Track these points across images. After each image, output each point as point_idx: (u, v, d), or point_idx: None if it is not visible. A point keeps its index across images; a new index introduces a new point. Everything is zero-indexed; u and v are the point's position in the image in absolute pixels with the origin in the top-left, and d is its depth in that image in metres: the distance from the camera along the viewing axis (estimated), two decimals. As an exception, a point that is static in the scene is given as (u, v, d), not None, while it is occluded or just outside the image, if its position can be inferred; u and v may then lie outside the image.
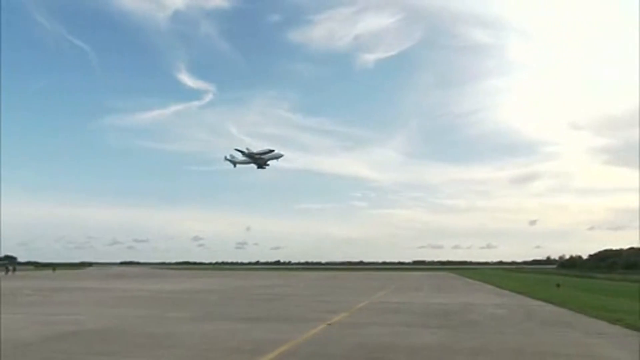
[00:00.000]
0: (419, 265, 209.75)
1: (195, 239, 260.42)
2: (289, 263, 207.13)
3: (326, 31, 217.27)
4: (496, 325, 11.82)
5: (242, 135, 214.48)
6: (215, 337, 9.62)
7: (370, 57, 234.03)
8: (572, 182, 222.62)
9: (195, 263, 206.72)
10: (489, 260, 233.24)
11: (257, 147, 75.80)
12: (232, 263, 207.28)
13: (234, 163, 78.62)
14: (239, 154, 76.08)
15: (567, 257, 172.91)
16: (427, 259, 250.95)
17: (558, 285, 33.32)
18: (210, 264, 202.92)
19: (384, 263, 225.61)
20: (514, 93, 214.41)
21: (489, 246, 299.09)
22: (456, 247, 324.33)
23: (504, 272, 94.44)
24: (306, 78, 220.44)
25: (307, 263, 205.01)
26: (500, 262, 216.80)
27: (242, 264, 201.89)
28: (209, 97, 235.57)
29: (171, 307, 17.32)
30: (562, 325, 11.62)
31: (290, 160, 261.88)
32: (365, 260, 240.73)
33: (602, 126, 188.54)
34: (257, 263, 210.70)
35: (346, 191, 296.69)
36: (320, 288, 32.14)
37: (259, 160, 73.11)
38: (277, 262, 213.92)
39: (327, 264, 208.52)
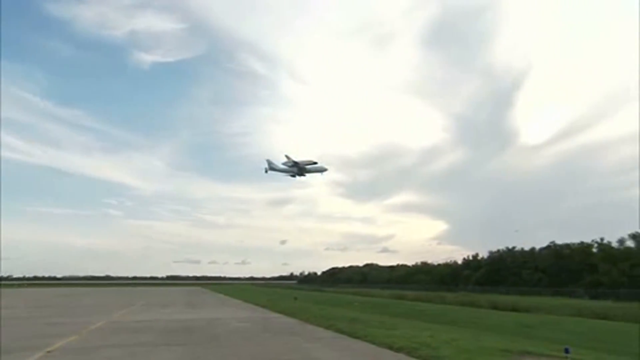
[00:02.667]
0: (173, 281, 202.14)
1: None
2: (9, 277, 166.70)
3: (97, 15, 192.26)
4: (236, 338, 12.49)
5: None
6: None
7: (146, 58, 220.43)
8: (316, 208, 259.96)
9: None
10: (243, 275, 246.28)
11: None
12: None
13: (273, 169, 71.59)
14: (274, 163, 70.47)
15: (306, 273, 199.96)
16: (183, 273, 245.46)
17: (295, 299, 37.87)
18: None
19: (135, 278, 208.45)
20: (281, 124, 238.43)
21: (243, 262, 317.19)
22: (213, 262, 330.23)
23: (254, 287, 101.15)
24: (65, 61, 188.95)
25: (36, 278, 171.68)
26: (252, 278, 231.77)
27: None
28: None
29: None
30: (290, 334, 13.25)
31: (30, 154, 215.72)
32: (113, 274, 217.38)
33: (341, 164, 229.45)
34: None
35: (99, 197, 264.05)
36: (49, 309, 26.95)
37: (302, 170, 68.23)
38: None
39: (64, 278, 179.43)
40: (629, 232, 67.30)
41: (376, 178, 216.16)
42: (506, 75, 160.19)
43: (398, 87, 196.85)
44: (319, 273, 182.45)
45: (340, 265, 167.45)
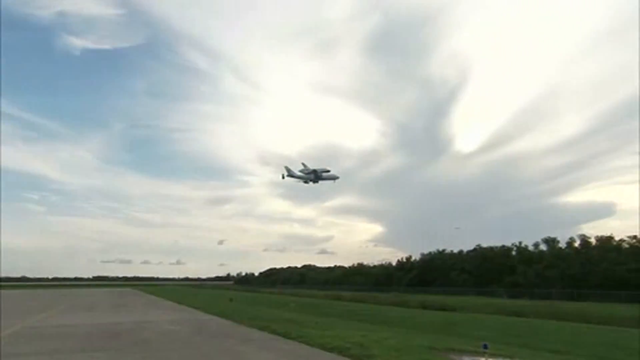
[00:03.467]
0: (101, 281, 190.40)
1: None
2: None
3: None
4: (167, 342, 12.03)
5: None
6: None
7: (77, 42, 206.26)
8: (256, 209, 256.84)
9: None
10: (177, 276, 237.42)
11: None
12: None
13: (291, 176, 72.83)
14: (292, 170, 72.51)
15: (244, 274, 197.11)
16: (112, 274, 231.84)
17: (231, 300, 37.23)
18: None
19: (56, 279, 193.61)
20: (222, 122, 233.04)
21: (178, 262, 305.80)
22: (145, 262, 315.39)
23: (188, 289, 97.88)
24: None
25: None
26: (187, 278, 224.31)
27: None
28: None
29: None
30: (223, 336, 13.01)
31: None
32: (31, 275, 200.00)
33: (282, 165, 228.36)
34: None
35: (17, 190, 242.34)
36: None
37: (318, 177, 70.56)
38: None
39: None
40: (543, 236, 74.05)
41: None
42: (443, 87, 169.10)
43: (340, 91, 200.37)
44: (256, 274, 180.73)
45: (278, 266, 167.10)
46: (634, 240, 67.89)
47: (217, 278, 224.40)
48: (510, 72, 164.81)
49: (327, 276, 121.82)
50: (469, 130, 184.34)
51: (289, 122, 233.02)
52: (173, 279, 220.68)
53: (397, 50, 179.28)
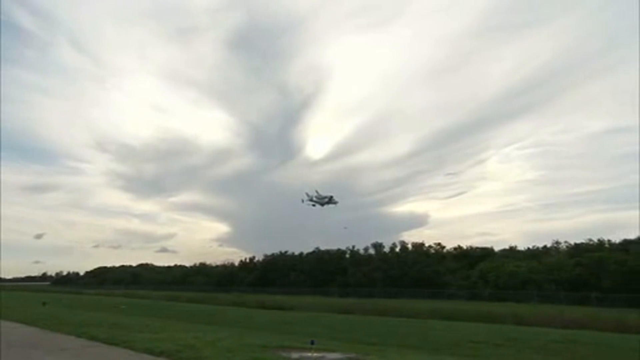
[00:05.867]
0: None
1: None
2: None
3: None
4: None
5: None
6: None
7: None
8: (87, 200, 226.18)
9: None
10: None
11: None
12: None
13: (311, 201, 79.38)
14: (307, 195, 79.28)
15: (65, 273, 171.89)
16: None
17: (44, 304, 32.14)
18: None
19: None
20: (51, 97, 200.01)
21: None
22: None
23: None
24: None
25: None
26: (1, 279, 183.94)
27: None
28: None
29: None
30: (28, 347, 11.09)
31: None
32: None
33: (124, 155, 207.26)
34: None
35: None
36: None
37: (329, 202, 78.54)
38: None
39: None
40: (372, 242, 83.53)
41: (163, 174, 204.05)
42: (299, 94, 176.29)
43: (197, 84, 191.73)
44: (81, 273, 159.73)
45: (110, 264, 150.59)
46: (438, 247, 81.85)
47: (29, 278, 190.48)
48: (357, 91, 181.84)
49: (165, 276, 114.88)
50: (318, 139, 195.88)
51: (136, 109, 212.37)
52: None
53: (259, 51, 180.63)
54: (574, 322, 24.79)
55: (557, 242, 72.01)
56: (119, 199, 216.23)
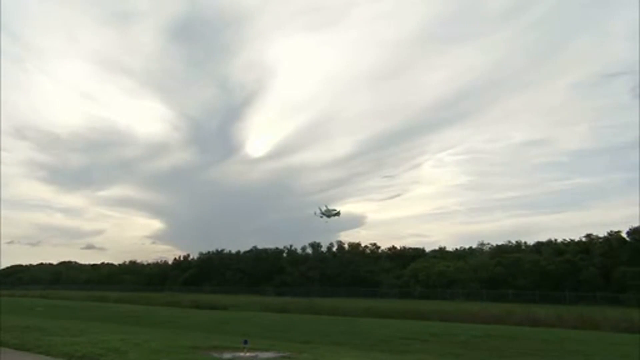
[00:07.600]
0: None
1: None
2: None
3: None
4: None
5: None
6: None
7: None
8: (2, 191, 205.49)
9: None
10: None
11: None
12: None
13: (322, 214, 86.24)
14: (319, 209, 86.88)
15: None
16: None
17: (-56, 305, 28.94)
18: None
19: None
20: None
21: None
22: None
23: None
24: None
25: None
26: None
27: None
28: None
29: None
30: None
31: None
32: None
33: (47, 143, 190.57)
34: None
35: None
36: None
37: (336, 215, 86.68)
38: None
39: None
40: (310, 241, 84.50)
41: (91, 165, 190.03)
42: (241, 91, 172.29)
43: (134, 72, 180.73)
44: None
45: (26, 262, 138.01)
46: (374, 247, 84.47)
47: None
48: (300, 90, 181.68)
49: (91, 275, 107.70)
50: (259, 137, 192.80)
51: (63, 95, 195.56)
52: None
53: (201, 44, 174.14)
54: (493, 318, 26.79)
55: (482, 244, 77.64)
56: (40, 191, 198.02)
